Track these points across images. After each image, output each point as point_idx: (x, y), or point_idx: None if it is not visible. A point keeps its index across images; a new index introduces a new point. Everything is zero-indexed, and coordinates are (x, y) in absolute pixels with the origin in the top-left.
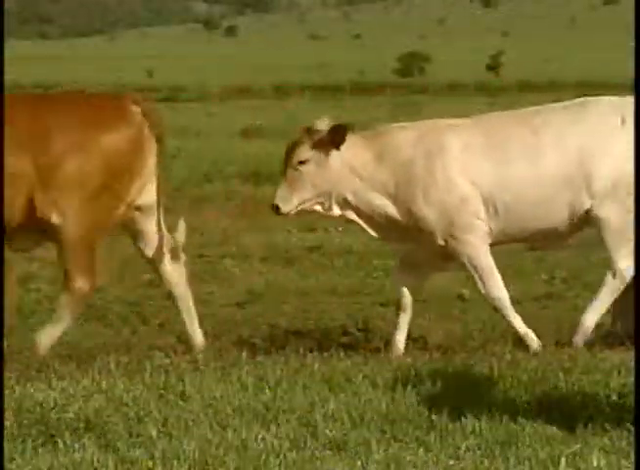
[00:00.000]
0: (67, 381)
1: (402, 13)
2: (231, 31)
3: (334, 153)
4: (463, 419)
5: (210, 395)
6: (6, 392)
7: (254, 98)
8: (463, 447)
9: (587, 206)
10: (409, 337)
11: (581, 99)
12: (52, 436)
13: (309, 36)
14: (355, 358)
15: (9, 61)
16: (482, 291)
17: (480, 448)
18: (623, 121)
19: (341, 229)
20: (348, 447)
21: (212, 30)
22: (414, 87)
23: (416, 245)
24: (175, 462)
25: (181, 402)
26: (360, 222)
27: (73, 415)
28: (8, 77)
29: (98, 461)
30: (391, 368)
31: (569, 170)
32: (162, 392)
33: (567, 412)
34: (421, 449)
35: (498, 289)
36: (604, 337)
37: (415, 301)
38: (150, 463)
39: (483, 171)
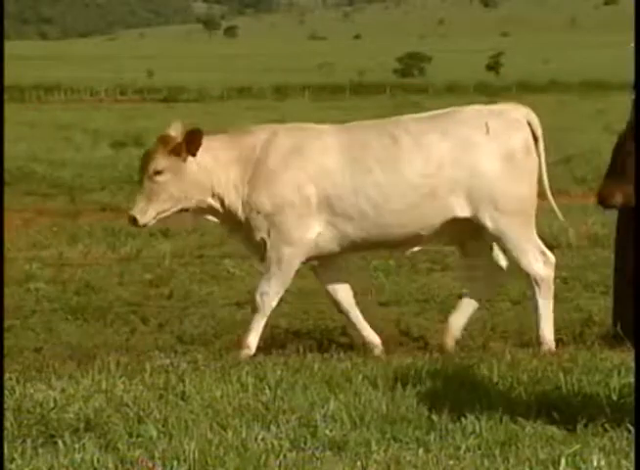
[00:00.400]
0: (66, 381)
1: (402, 13)
2: (231, 31)
3: (190, 159)
4: (463, 419)
5: (210, 395)
6: (6, 392)
7: (254, 98)
8: (463, 448)
9: (456, 214)
10: (408, 336)
11: (447, 109)
12: (52, 436)
13: (309, 36)
14: (355, 358)
15: (9, 61)
16: (260, 289)
17: (480, 449)
18: (488, 131)
19: None
20: (348, 448)
21: (212, 30)
22: (414, 87)
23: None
24: (175, 463)
25: (181, 403)
26: (222, 225)
27: (73, 415)
28: (8, 77)
29: (98, 461)
30: (391, 368)
31: (431, 180)
32: (163, 392)
33: (567, 412)
34: (421, 450)
35: (272, 299)
36: (604, 337)
37: (415, 301)
38: (150, 463)
39: (340, 177)
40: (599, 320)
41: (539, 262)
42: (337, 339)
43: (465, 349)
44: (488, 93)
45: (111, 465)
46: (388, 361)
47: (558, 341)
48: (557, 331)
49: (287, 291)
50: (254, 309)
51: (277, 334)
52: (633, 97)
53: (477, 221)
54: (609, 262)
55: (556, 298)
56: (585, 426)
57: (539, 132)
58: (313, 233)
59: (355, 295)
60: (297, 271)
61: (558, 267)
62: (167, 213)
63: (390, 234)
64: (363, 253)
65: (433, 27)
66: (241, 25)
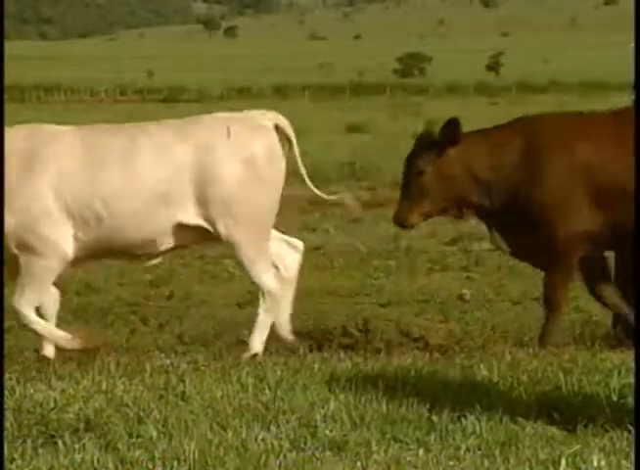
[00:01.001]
0: (67, 381)
1: (402, 13)
2: (231, 32)
3: None
4: (463, 420)
5: (210, 395)
6: (6, 392)
7: (254, 98)
8: (463, 448)
9: (195, 222)
10: (408, 336)
11: (192, 117)
12: (52, 436)
13: (309, 37)
14: (355, 358)
15: (9, 61)
16: (14, 303)
17: (480, 449)
18: (229, 135)
19: None
20: (348, 448)
21: (212, 31)
22: (414, 87)
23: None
24: (175, 463)
25: (181, 403)
26: None
27: (73, 416)
28: (8, 77)
29: (98, 462)
30: (392, 368)
31: (168, 186)
32: (163, 392)
33: (567, 413)
34: (421, 450)
35: (27, 308)
36: (604, 337)
37: (415, 301)
38: (150, 464)
39: (77, 181)
40: (599, 321)
41: (268, 274)
42: (337, 339)
43: (465, 349)
44: (488, 93)
45: (111, 465)
46: (388, 361)
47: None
48: None
49: None
50: (22, 320)
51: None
52: (633, 97)
53: (212, 228)
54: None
55: None
56: (585, 426)
57: (292, 135)
58: (66, 243)
59: (357, 294)
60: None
61: None
62: None
63: (125, 239)
64: (109, 260)
65: (433, 27)
66: (241, 26)
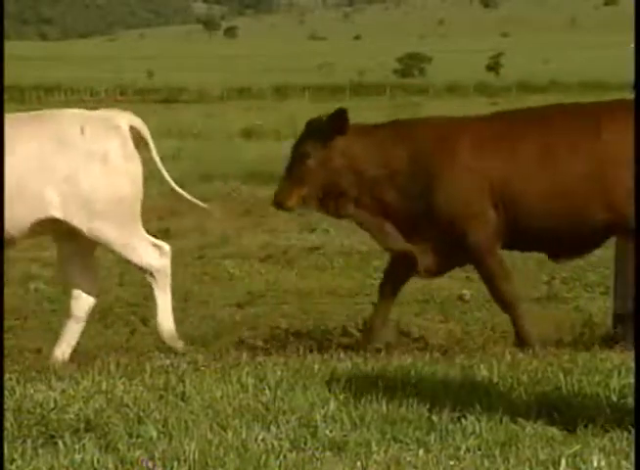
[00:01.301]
0: (67, 382)
1: (402, 13)
2: (231, 32)
3: None
4: (463, 420)
5: (210, 395)
6: (6, 392)
7: (254, 98)
8: (463, 448)
9: (49, 214)
10: (409, 336)
11: (46, 111)
12: (52, 437)
13: (309, 37)
14: (355, 358)
15: (9, 61)
16: None
17: (480, 449)
18: (82, 132)
19: None
20: (348, 448)
21: (212, 31)
22: (414, 88)
23: None
24: (175, 463)
25: (181, 403)
26: None
27: (73, 416)
28: (8, 77)
29: (98, 462)
30: (392, 368)
31: (21, 179)
32: (163, 392)
33: (567, 413)
34: (421, 450)
35: None
36: (604, 337)
37: (415, 301)
38: (150, 464)
39: None
40: (599, 321)
41: (151, 255)
42: (337, 339)
43: (465, 349)
44: (488, 93)
45: (111, 466)
46: (388, 361)
47: (558, 341)
48: (557, 331)
49: (287, 291)
50: None
51: (277, 334)
52: (633, 97)
53: (72, 226)
54: (609, 262)
55: (556, 298)
56: (585, 426)
57: (147, 135)
58: None
59: (357, 294)
60: (296, 271)
61: (558, 268)
62: None
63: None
64: None
65: (433, 27)
66: (241, 26)
